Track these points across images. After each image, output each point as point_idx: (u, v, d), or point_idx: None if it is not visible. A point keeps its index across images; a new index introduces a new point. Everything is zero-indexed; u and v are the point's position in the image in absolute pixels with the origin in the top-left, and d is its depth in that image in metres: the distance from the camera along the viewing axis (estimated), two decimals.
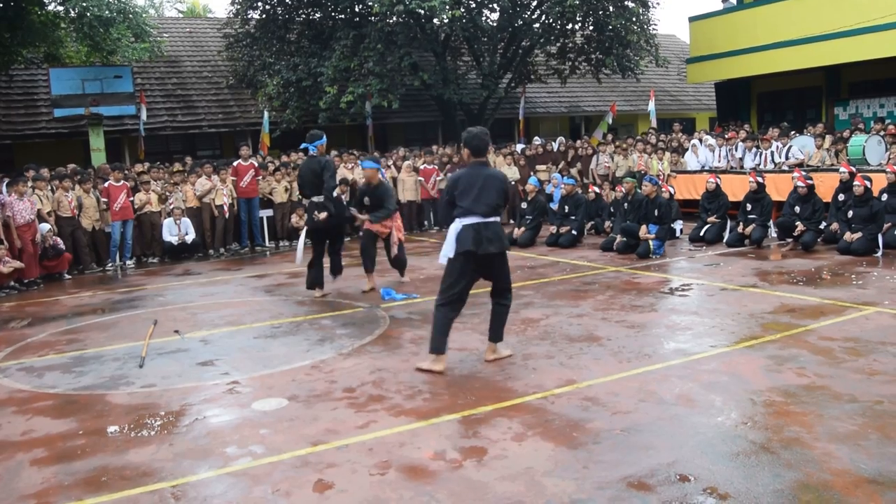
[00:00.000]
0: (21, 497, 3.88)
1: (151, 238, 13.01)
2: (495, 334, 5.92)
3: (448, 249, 5.67)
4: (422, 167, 15.57)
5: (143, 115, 17.84)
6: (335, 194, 8.70)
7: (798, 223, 10.55)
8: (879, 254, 9.77)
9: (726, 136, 15.29)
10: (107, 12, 17.00)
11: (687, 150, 15.95)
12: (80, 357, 6.72)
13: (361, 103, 17.87)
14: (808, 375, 5.11)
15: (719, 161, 14.87)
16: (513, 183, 15.71)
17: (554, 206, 13.11)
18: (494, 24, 19.73)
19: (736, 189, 12.71)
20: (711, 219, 11.78)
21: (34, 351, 7.05)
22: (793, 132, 14.79)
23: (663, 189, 12.84)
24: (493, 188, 5.67)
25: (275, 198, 14.25)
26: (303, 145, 8.58)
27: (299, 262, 9.13)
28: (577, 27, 20.69)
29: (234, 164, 13.94)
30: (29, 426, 4.95)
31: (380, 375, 5.62)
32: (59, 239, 11.42)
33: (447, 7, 16.73)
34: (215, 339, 7.09)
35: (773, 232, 11.44)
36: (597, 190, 13.68)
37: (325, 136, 8.54)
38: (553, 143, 17.74)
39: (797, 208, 10.74)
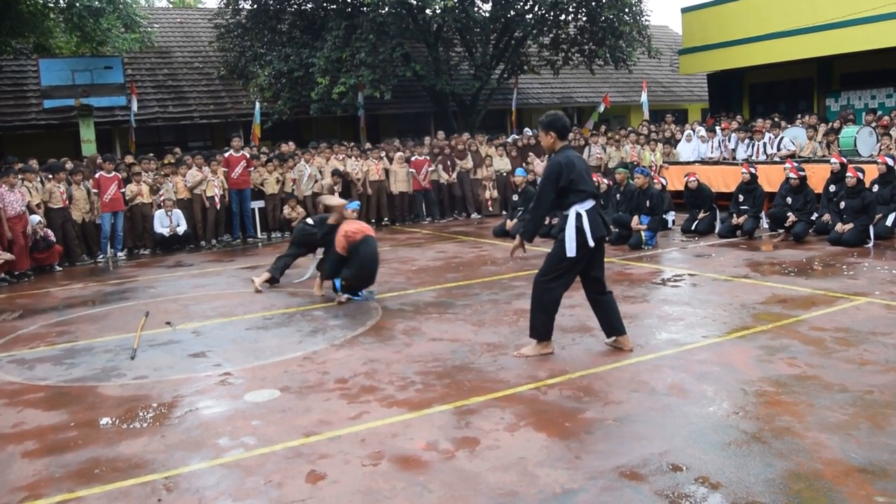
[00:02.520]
0: (13, 489, 3.86)
1: (143, 230, 12.94)
2: (621, 325, 5.73)
3: (577, 242, 5.36)
4: (413, 158, 15.53)
5: (134, 107, 17.72)
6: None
7: (790, 214, 10.58)
8: (870, 244, 9.80)
9: (721, 127, 15.31)
10: (96, 2, 16.85)
11: (679, 141, 15.97)
12: (71, 349, 6.69)
13: (353, 94, 17.81)
14: (799, 366, 5.13)
15: (712, 152, 14.90)
16: (504, 175, 15.71)
17: None
18: (487, 15, 19.66)
19: (728, 180, 12.74)
20: (701, 215, 11.80)
21: (25, 343, 7.02)
22: (783, 123, 14.81)
23: (655, 180, 12.83)
24: (590, 170, 5.55)
25: (266, 189, 14.20)
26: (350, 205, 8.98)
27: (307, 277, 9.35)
28: (569, 18, 20.65)
29: (226, 154, 13.89)
30: (20, 418, 4.93)
31: (372, 367, 5.61)
32: (49, 231, 11.36)
33: None
34: (207, 331, 7.07)
35: (764, 223, 11.48)
36: (605, 181, 13.57)
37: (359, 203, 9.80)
38: None
39: (789, 199, 10.76)
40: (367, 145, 16.64)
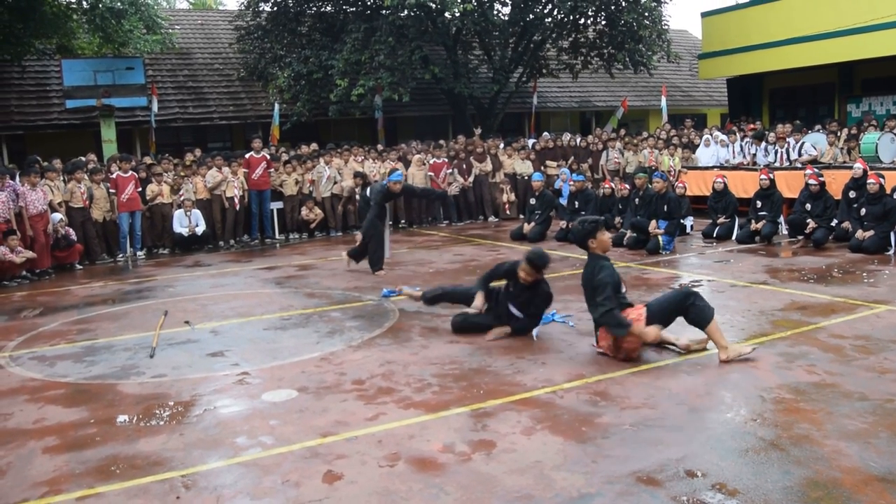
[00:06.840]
0: (33, 485, 3.91)
1: (162, 229, 13.06)
2: None
3: None
4: (432, 161, 15.53)
5: (155, 107, 17.88)
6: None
7: (809, 220, 10.49)
8: (891, 252, 9.71)
9: (747, 128, 15.22)
10: (119, 4, 17.05)
11: (698, 146, 15.90)
12: (91, 347, 6.76)
13: (372, 96, 17.87)
14: (818, 373, 5.10)
15: (734, 157, 14.81)
16: (526, 178, 15.62)
17: (563, 201, 13.07)
18: (506, 18, 19.67)
19: (747, 185, 12.65)
20: (721, 220, 11.71)
21: (46, 340, 7.10)
22: (803, 129, 14.70)
23: (679, 184, 12.81)
24: None
25: (285, 190, 14.27)
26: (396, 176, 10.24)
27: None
28: (589, 22, 20.61)
29: (247, 156, 13.98)
30: (41, 414, 4.99)
31: (389, 368, 5.63)
32: (70, 229, 11.47)
33: (459, 1, 16.70)
34: (225, 331, 7.12)
35: (783, 229, 11.39)
36: (613, 186, 13.58)
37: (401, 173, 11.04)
38: (562, 138, 17.70)
39: (808, 205, 10.68)
40: (380, 146, 16.65)
